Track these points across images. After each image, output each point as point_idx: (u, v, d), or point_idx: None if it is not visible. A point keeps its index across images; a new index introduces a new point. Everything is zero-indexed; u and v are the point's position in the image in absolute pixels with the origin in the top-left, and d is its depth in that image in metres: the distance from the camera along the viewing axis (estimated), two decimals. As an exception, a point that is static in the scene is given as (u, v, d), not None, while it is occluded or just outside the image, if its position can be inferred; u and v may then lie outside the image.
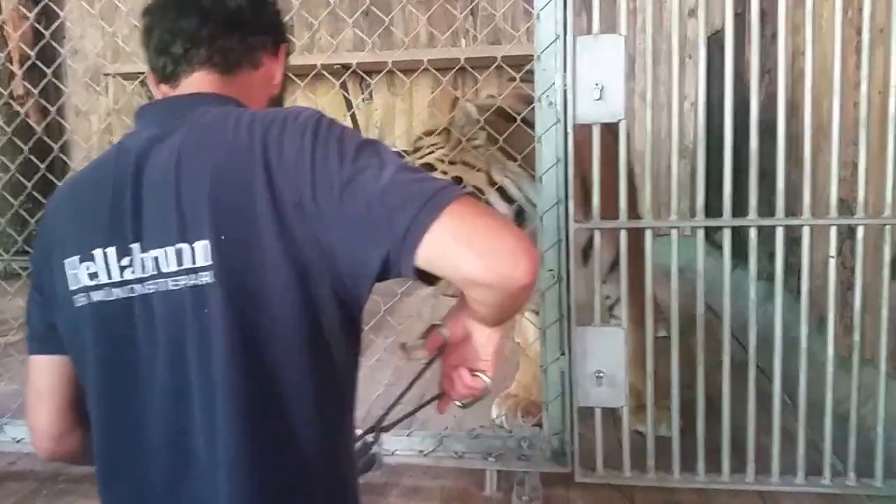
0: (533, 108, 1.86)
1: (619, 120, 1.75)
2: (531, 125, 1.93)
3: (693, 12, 1.74)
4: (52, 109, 2.72)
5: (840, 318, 1.88)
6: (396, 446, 1.99)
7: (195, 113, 0.99)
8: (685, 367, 1.86)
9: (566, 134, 1.78)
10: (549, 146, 1.81)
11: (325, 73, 2.42)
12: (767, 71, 2.76)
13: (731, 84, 1.77)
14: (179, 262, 0.92)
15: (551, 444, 1.92)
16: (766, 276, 2.06)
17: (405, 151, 2.11)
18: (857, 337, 1.77)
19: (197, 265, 0.91)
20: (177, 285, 0.93)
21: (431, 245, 0.85)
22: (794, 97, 2.03)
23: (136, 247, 0.94)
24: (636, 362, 1.93)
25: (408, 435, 2.00)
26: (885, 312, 1.75)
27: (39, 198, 2.04)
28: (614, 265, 1.92)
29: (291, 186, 0.90)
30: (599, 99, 1.73)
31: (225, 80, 1.08)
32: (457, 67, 2.59)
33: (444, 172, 1.95)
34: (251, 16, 1.11)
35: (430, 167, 1.98)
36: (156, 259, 0.93)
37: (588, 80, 1.74)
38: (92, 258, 0.97)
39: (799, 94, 1.77)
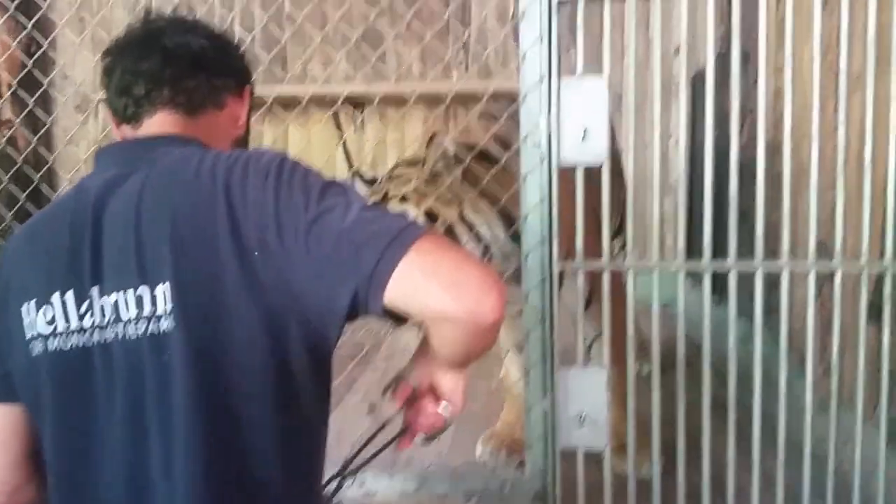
0: (505, 147, 1.89)
1: (602, 162, 1.77)
2: (498, 161, 1.96)
3: (678, 50, 1.76)
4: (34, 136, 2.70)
5: (820, 359, 1.89)
6: (378, 487, 1.98)
7: (157, 154, 0.98)
8: (668, 405, 1.87)
9: (550, 174, 1.80)
10: (534, 186, 1.83)
11: (315, 104, 2.43)
12: (750, 111, 2.80)
13: (712, 125, 1.80)
14: (139, 307, 0.91)
15: (533, 485, 1.91)
16: (748, 314, 2.07)
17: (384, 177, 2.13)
18: (834, 381, 1.78)
19: (157, 310, 0.90)
20: (136, 332, 0.91)
21: (400, 282, 0.86)
22: (774, 139, 2.06)
23: (94, 291, 0.93)
24: (617, 402, 1.94)
25: (390, 476, 1.99)
26: (861, 357, 1.76)
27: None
28: (589, 303, 1.92)
29: (255, 228, 0.89)
30: (583, 141, 1.76)
31: (188, 121, 1.07)
32: (448, 101, 2.62)
33: (417, 204, 1.96)
34: (215, 57, 1.11)
35: (404, 198, 1.99)
36: (115, 304, 0.92)
37: (572, 121, 1.76)
38: (50, 303, 0.94)
39: (779, 136, 1.79)
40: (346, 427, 2.43)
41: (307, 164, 0.97)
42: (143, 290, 0.90)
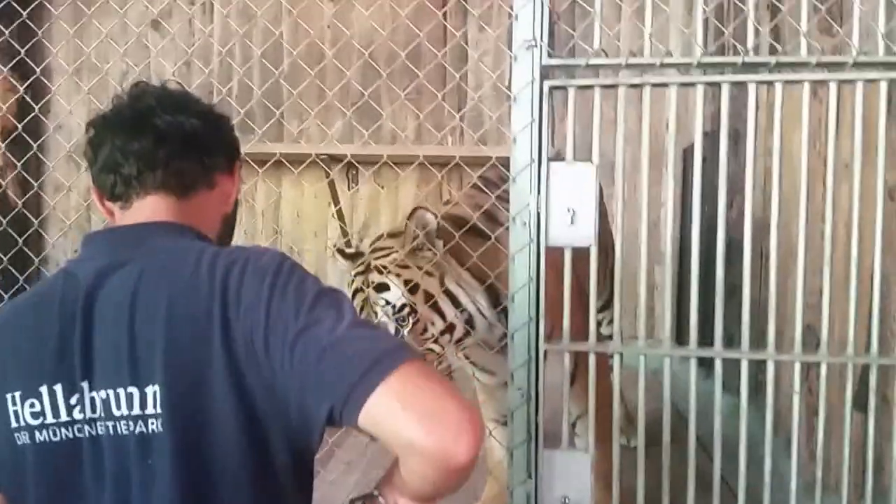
0: (486, 217, 1.91)
1: (590, 244, 1.77)
2: (482, 234, 1.97)
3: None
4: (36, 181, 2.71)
5: (806, 444, 1.88)
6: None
7: (152, 244, 0.98)
8: (653, 481, 1.84)
9: (539, 255, 1.81)
10: (522, 266, 1.83)
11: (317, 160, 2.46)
12: (740, 189, 2.82)
13: (699, 210, 1.81)
14: (129, 407, 0.91)
15: (516, 568, 1.88)
16: (736, 390, 2.06)
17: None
18: (820, 468, 1.76)
19: (146, 412, 0.90)
20: (126, 429, 0.91)
21: (375, 406, 0.84)
22: (763, 219, 2.07)
23: (85, 385, 0.92)
24: (601, 483, 1.91)
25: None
26: (846, 446, 1.75)
27: (13, 272, 2.02)
28: (573, 377, 1.92)
29: (246, 332, 0.90)
30: (571, 224, 1.77)
31: (180, 204, 1.07)
32: (449, 166, 2.65)
33: (398, 275, 1.97)
34: (206, 136, 1.10)
35: (384, 269, 1.99)
36: (106, 399, 0.91)
37: (560, 204, 1.78)
38: (37, 395, 0.93)
39: (768, 216, 1.80)
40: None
41: (304, 270, 0.97)
42: (134, 390, 0.90)
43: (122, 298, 0.93)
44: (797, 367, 1.74)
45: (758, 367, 1.82)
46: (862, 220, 1.74)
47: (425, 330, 1.96)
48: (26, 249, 2.54)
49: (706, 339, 1.81)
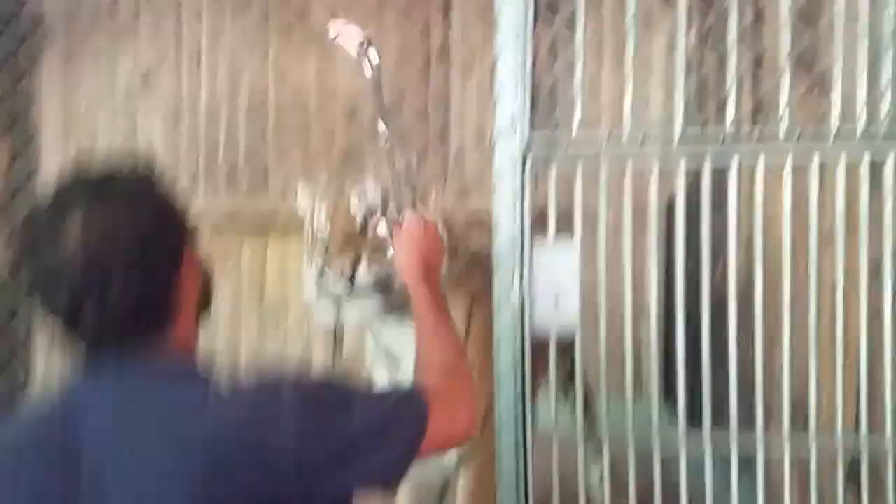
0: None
1: (574, 332, 1.77)
2: None
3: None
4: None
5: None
6: None
7: (154, 388, 0.96)
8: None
9: (523, 340, 1.79)
10: (507, 351, 1.81)
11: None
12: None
13: (683, 297, 1.81)
14: None
15: None
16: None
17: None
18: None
19: None
20: None
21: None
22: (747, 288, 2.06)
23: None
24: None
25: None
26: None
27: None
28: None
29: (275, 477, 0.91)
30: (556, 307, 1.76)
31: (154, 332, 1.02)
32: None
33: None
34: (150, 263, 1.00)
35: None
36: None
37: (544, 288, 1.77)
38: None
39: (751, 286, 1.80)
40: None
41: (314, 384, 1.03)
42: None
43: (131, 452, 0.94)
44: (786, 447, 1.73)
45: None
46: (846, 296, 1.75)
47: None
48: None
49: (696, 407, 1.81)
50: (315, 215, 2.00)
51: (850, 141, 1.74)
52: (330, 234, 1.94)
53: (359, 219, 1.95)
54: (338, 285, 1.89)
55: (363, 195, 1.95)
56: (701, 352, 1.80)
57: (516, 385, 1.82)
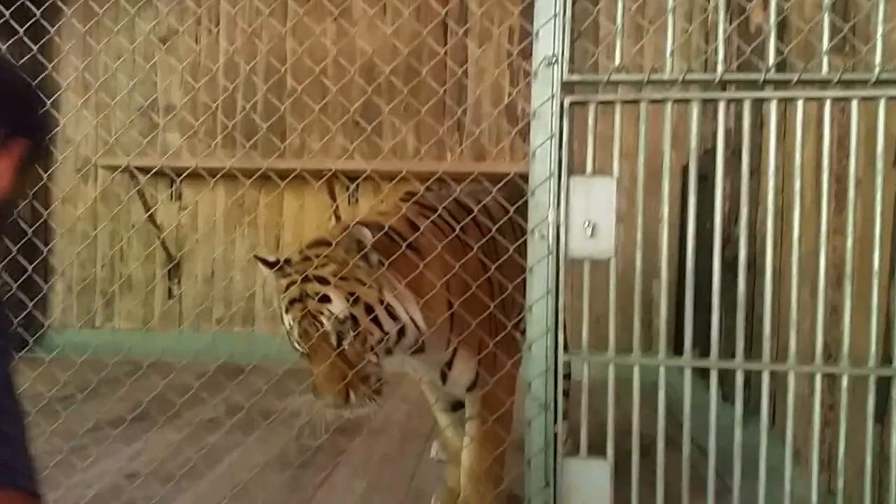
0: (419, 232, 2.09)
1: (610, 258, 1.78)
2: (417, 250, 2.11)
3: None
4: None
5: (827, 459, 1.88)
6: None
7: None
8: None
9: (558, 267, 1.81)
10: (540, 278, 1.84)
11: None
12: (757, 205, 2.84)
13: (720, 221, 1.82)
14: None
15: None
16: (754, 406, 2.07)
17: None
18: (841, 482, 1.76)
19: None
20: None
21: None
22: (780, 236, 2.08)
23: None
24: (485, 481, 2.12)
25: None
26: (868, 460, 1.75)
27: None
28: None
29: None
30: (591, 237, 1.78)
31: None
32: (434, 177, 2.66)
33: (339, 287, 1.97)
34: None
35: (325, 280, 1.99)
36: None
37: (580, 218, 1.79)
38: None
39: (786, 232, 1.81)
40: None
41: None
42: None
43: None
44: (818, 377, 1.75)
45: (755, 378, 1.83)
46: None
47: (365, 340, 1.99)
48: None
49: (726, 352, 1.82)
50: (287, 327, 2.03)
51: (892, 84, 1.73)
52: (311, 358, 2.00)
53: (332, 339, 1.97)
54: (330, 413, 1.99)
55: (332, 317, 1.96)
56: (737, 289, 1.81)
57: (548, 313, 1.84)
